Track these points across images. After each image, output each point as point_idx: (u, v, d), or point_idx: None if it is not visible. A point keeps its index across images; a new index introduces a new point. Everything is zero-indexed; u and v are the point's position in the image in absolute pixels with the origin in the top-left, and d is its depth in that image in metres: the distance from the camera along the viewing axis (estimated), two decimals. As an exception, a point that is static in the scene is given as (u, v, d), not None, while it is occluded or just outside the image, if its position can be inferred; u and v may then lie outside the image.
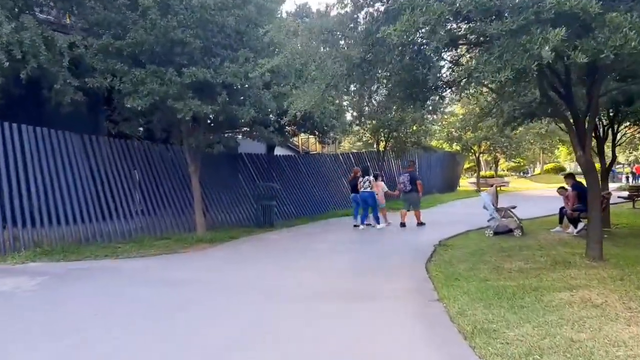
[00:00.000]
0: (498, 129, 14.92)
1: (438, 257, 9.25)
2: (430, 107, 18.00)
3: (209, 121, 11.70)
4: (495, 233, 11.76)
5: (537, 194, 29.16)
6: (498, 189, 34.19)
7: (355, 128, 20.13)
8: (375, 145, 22.98)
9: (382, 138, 20.34)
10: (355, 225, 14.17)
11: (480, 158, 48.15)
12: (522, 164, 52.12)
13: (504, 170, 53.84)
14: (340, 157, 21.58)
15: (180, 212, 13.57)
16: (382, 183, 14.86)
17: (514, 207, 12.10)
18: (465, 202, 24.34)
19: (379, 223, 14.34)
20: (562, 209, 12.21)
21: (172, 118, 11.43)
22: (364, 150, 25.33)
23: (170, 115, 11.00)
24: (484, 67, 5.37)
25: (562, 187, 12.24)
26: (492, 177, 39.08)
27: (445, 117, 26.38)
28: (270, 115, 11.90)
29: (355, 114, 20.07)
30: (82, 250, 10.48)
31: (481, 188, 32.72)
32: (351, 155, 22.26)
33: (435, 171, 29.49)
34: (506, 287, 6.50)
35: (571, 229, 11.63)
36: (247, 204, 15.77)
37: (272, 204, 14.65)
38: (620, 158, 70.17)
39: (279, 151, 21.33)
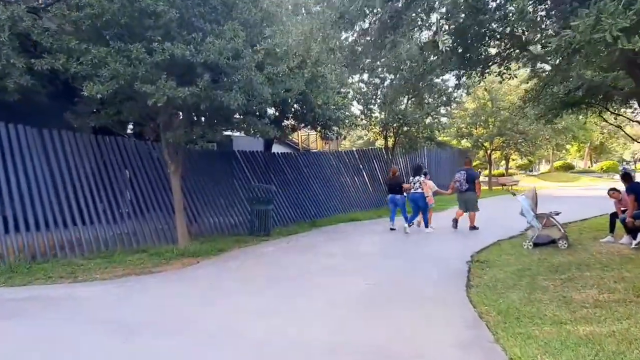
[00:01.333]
0: (534, 118, 12.85)
1: (478, 280, 7.28)
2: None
3: (191, 111, 9.72)
4: (535, 244, 9.81)
5: (555, 193, 27.18)
6: (509, 188, 32.31)
7: (362, 122, 18.12)
8: (381, 142, 21.01)
9: (391, 133, 18.35)
10: (391, 229, 13.16)
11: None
12: (532, 161, 50.13)
13: (511, 169, 51.86)
14: (345, 154, 19.59)
15: (162, 219, 11.61)
16: (431, 182, 13.43)
17: (557, 213, 10.11)
18: (480, 204, 22.38)
19: (427, 227, 13.03)
20: (613, 215, 10.24)
21: (146, 108, 9.46)
22: (369, 147, 23.36)
23: (142, 104, 9.05)
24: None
25: (614, 189, 10.24)
26: (502, 175, 37.05)
27: (455, 111, 24.31)
28: (265, 105, 9.90)
29: (362, 103, 18.05)
30: (34, 269, 8.52)
31: (508, 188, 30.76)
32: (356, 153, 20.27)
33: (444, 169, 27.51)
34: (597, 336, 4.55)
35: (626, 239, 9.65)
36: (241, 208, 13.81)
37: (268, 208, 12.68)
38: (626, 155, 68.32)
39: (277, 149, 19.32)
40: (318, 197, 17.00)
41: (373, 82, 18.17)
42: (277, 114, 14.86)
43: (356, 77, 18.23)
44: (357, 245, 10.67)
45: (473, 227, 12.91)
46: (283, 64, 9.66)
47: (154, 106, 9.24)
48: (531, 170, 55.92)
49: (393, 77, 15.25)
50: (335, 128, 14.58)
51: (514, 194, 11.09)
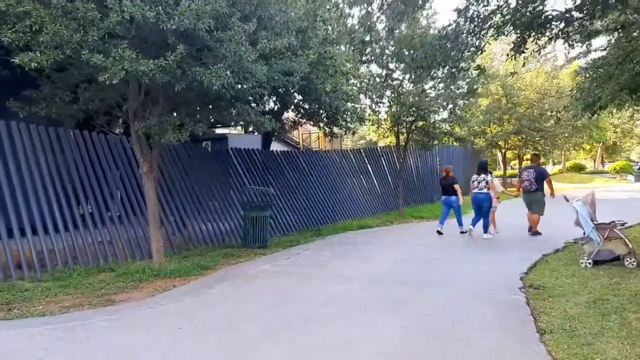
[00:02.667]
0: (579, 109, 10.91)
1: (547, 320, 5.31)
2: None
3: (166, 96, 7.75)
4: (595, 262, 7.86)
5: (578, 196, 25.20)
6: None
7: (372, 116, 16.11)
8: (389, 140, 19.06)
9: (403, 129, 16.37)
10: (439, 232, 12.10)
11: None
12: (545, 162, 48.12)
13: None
14: (351, 153, 17.63)
15: (139, 228, 9.68)
16: (497, 182, 12.19)
17: (623, 224, 8.14)
18: (502, 209, 20.37)
19: (486, 232, 11.59)
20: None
21: (110, 92, 7.54)
22: (380, 144, 21.41)
23: (103, 85, 7.12)
24: None
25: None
26: (515, 176, 35.02)
27: (469, 109, 22.28)
28: (260, 90, 7.93)
29: (370, 97, 16.08)
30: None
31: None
32: (363, 151, 18.31)
33: (456, 169, 25.48)
34: None
35: None
36: (234, 213, 11.89)
37: (265, 215, 10.73)
38: (633, 155, 66.21)
39: (276, 148, 17.35)
40: (322, 201, 15.05)
41: (382, 74, 16.23)
42: (278, 105, 12.94)
43: (363, 69, 16.31)
44: (374, 263, 8.68)
45: (535, 233, 11.63)
46: (282, 39, 7.70)
47: (121, 89, 7.34)
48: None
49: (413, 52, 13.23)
50: (343, 122, 12.58)
51: (567, 199, 9.11)
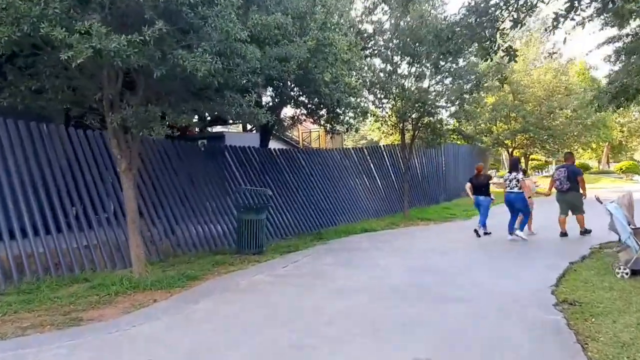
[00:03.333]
0: (605, 101, 10.00)
1: (597, 347, 4.39)
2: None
3: (145, 83, 6.82)
4: (633, 272, 6.94)
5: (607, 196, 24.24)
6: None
7: (376, 112, 15.16)
8: (393, 138, 18.15)
9: (409, 126, 15.42)
10: (476, 233, 11.53)
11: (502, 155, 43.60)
12: (548, 162, 47.14)
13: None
14: (354, 152, 16.70)
15: (121, 232, 8.75)
16: (530, 181, 11.56)
17: (664, 228, 7.21)
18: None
19: (521, 230, 10.90)
20: None
21: (82, 79, 6.63)
22: (382, 144, 20.48)
23: (74, 72, 6.22)
24: None
25: None
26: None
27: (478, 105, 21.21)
28: (253, 77, 6.99)
29: (373, 92, 15.16)
30: None
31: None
32: (366, 150, 17.38)
33: (462, 169, 24.62)
34: None
35: None
36: (229, 215, 10.97)
37: (260, 218, 9.79)
38: (637, 155, 65.15)
39: (274, 147, 16.38)
40: (323, 202, 14.10)
41: (387, 69, 15.31)
42: (276, 100, 12.00)
43: (366, 63, 15.38)
44: (382, 273, 7.72)
45: (585, 231, 11.01)
46: (275, 16, 6.77)
47: (95, 77, 6.44)
48: (547, 171, 52.88)
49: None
50: (344, 118, 11.61)
51: (600, 201, 8.17)
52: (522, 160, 33.31)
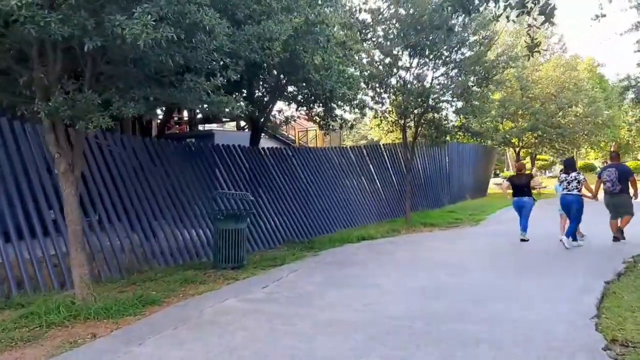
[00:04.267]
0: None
1: None
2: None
3: (92, 66, 5.49)
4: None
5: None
6: (539, 192, 28.00)
7: (376, 106, 13.81)
8: (394, 136, 16.82)
9: (411, 122, 14.09)
10: (523, 240, 10.58)
11: (508, 155, 42.18)
12: (554, 162, 45.77)
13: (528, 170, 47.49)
14: (351, 151, 15.35)
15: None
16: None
17: None
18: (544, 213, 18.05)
19: (569, 237, 9.76)
20: None
21: (5, 58, 5.33)
22: (382, 141, 19.11)
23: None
24: None
25: None
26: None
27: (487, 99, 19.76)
28: (220, 57, 5.67)
29: (373, 87, 13.84)
30: None
31: (539, 192, 26.50)
32: (364, 149, 16.04)
33: (467, 170, 23.31)
34: None
35: None
36: (208, 222, 9.64)
37: (240, 228, 8.45)
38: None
39: (269, 146, 15.03)
40: (317, 206, 12.77)
41: (387, 61, 14.00)
42: (265, 95, 10.69)
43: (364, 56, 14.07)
44: (381, 297, 6.34)
45: (618, 237, 10.07)
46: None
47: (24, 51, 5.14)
48: (551, 171, 51.47)
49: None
50: (339, 112, 10.27)
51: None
52: (528, 160, 32.02)
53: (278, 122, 16.43)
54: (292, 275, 7.62)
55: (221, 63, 5.73)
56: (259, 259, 9.12)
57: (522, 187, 10.69)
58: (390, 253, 9.48)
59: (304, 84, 8.09)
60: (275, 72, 7.55)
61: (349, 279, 7.36)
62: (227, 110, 6.27)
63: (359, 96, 11.25)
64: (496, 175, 37.32)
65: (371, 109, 13.74)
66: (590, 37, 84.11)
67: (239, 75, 6.00)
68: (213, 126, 27.60)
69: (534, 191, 27.90)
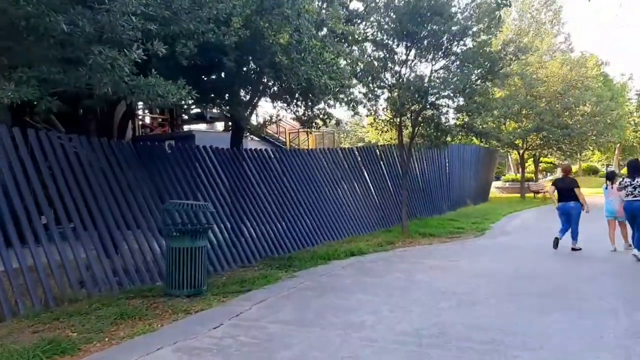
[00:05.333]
0: None
1: None
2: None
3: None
4: None
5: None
6: (544, 195, 26.53)
7: (366, 104, 12.27)
8: (390, 136, 15.32)
9: (408, 121, 12.58)
10: (574, 249, 9.86)
11: (509, 157, 40.69)
12: (554, 164, 44.32)
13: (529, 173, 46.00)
14: (342, 153, 13.84)
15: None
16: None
17: None
18: (525, 218, 16.62)
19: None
20: None
21: None
22: (379, 142, 17.59)
23: None
24: None
25: None
26: (530, 180, 31.06)
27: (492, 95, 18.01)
28: (140, 23, 4.17)
29: (365, 82, 12.35)
30: None
31: (544, 196, 25.01)
32: (357, 151, 14.53)
33: (468, 173, 21.82)
34: None
35: None
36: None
37: (198, 246, 6.93)
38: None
39: (253, 147, 13.50)
40: (300, 215, 11.25)
41: (381, 56, 12.52)
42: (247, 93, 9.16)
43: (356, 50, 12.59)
44: (365, 346, 4.78)
45: None
46: None
47: None
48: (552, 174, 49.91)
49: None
50: (324, 107, 8.74)
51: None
52: (531, 163, 30.52)
53: (262, 120, 15.03)
54: (255, 309, 6.07)
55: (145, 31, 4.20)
56: (224, 282, 7.61)
57: (567, 191, 9.87)
58: (381, 275, 7.93)
59: (273, 71, 6.55)
60: (232, 53, 6.01)
61: (326, 313, 5.82)
62: (165, 97, 4.75)
63: (349, 90, 9.70)
64: (497, 179, 35.81)
65: (364, 105, 12.23)
66: (596, 38, 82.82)
67: (190, 60, 4.49)
68: (202, 127, 26.17)
69: (538, 195, 26.95)
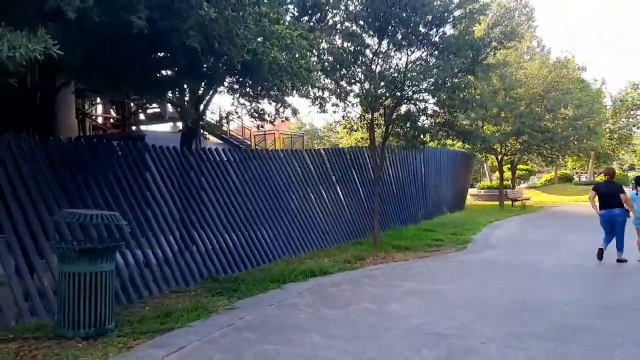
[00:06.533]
0: None
1: None
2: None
3: None
4: None
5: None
6: (523, 204, 25.27)
7: (328, 90, 10.62)
8: (359, 135, 13.77)
9: (381, 119, 11.01)
10: (620, 260, 8.85)
11: (484, 163, 39.51)
12: (531, 171, 43.46)
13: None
14: (308, 156, 12.17)
15: None
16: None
17: None
18: (508, 229, 15.12)
19: None
20: None
21: None
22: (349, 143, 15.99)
23: None
24: None
25: None
26: (507, 187, 29.76)
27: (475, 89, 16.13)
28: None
29: (333, 76, 10.81)
30: None
31: (523, 204, 23.74)
32: (324, 154, 12.86)
33: (444, 179, 20.40)
34: None
35: None
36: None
37: (102, 270, 5.19)
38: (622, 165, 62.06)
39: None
40: (254, 226, 9.55)
41: (351, 48, 10.96)
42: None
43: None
44: None
45: None
46: None
47: None
48: (526, 182, 49.06)
49: None
50: (275, 90, 7.05)
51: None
52: (507, 170, 29.32)
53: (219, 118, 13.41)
54: (169, 361, 4.38)
55: None
56: (144, 315, 5.86)
57: (612, 197, 8.83)
58: (346, 304, 6.26)
59: (200, 35, 4.80)
60: (145, 15, 4.31)
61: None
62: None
63: (314, 76, 8.03)
64: (471, 186, 34.61)
65: (331, 102, 10.65)
66: (570, 42, 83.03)
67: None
68: (165, 128, 24.26)
69: (516, 203, 25.71)
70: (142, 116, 21.95)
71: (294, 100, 60.86)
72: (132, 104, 19.34)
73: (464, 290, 6.96)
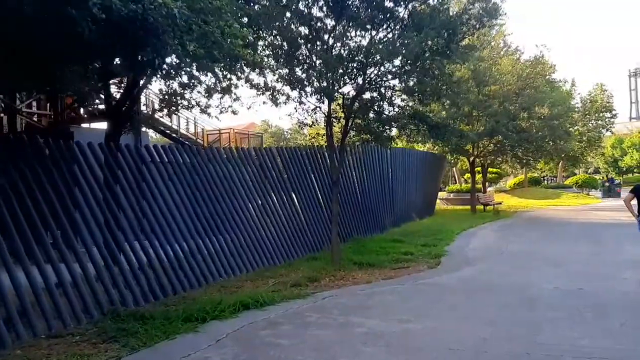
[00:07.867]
0: None
1: None
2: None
3: None
4: None
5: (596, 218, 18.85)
6: (496, 209, 23.91)
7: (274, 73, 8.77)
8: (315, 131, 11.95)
9: (341, 111, 9.20)
10: None
11: (454, 166, 38.20)
12: (501, 174, 42.39)
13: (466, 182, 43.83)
14: (258, 155, 10.25)
15: None
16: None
17: None
18: (485, 237, 13.47)
19: None
20: None
21: None
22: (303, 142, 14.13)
23: None
24: None
25: None
26: (478, 191, 28.38)
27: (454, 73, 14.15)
28: None
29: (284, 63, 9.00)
30: None
31: (496, 209, 22.29)
32: (278, 154, 10.96)
33: (413, 183, 18.74)
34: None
35: None
36: None
37: None
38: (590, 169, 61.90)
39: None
40: (180, 240, 7.61)
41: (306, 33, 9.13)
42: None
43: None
44: None
45: None
46: None
47: None
48: (494, 184, 48.07)
49: None
50: (181, 61, 5.15)
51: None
52: (479, 170, 27.99)
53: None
54: None
55: None
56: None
57: None
58: (280, 358, 4.41)
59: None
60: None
61: None
62: None
63: (246, 51, 6.16)
64: (440, 189, 33.16)
65: (283, 80, 8.78)
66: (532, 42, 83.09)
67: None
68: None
69: (488, 207, 24.33)
70: (83, 113, 19.82)
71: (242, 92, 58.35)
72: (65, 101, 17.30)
73: (443, 333, 5.17)
